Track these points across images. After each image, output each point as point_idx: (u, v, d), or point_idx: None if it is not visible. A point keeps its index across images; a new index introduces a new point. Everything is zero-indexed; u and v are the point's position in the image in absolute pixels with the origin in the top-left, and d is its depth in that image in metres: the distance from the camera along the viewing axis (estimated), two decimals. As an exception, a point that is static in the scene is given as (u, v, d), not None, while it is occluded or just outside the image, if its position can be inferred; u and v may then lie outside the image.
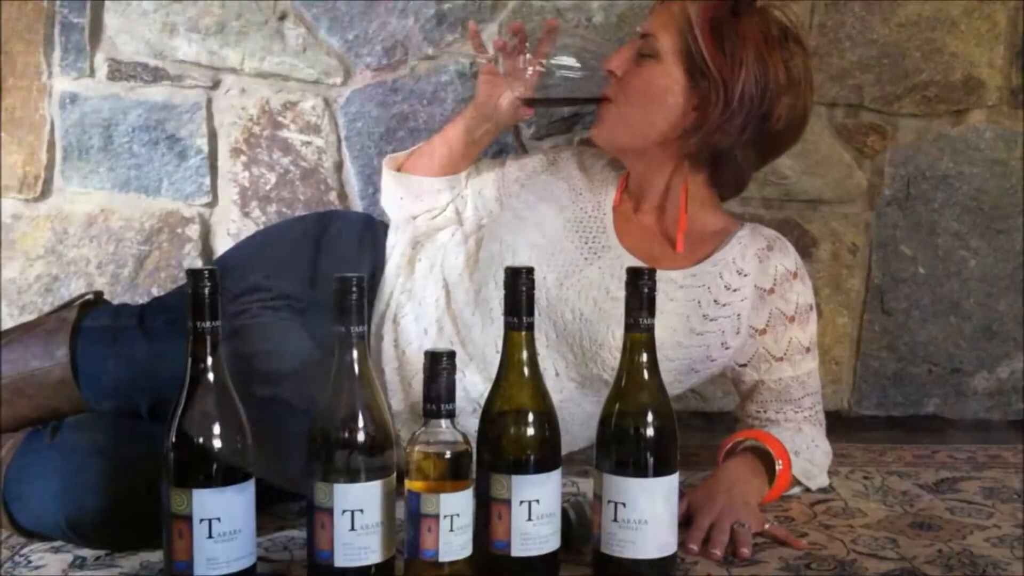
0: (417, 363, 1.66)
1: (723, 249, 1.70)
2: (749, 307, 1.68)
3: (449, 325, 1.69)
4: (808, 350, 1.73)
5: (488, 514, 1.31)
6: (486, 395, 1.37)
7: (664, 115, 1.69)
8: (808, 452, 1.71)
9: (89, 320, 1.58)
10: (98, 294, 1.67)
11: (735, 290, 1.67)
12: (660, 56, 1.67)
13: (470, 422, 1.42)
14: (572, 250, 1.68)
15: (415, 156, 1.90)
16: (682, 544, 1.42)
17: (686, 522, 1.51)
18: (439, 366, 1.26)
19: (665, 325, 1.61)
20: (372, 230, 1.82)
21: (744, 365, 1.72)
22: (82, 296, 1.64)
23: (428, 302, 1.72)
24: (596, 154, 1.87)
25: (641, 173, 1.76)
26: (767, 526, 1.53)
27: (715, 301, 1.66)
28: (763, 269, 1.69)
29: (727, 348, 1.69)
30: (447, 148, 1.86)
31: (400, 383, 1.69)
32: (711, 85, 1.64)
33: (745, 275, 1.68)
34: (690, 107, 1.67)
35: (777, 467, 1.64)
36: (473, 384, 1.64)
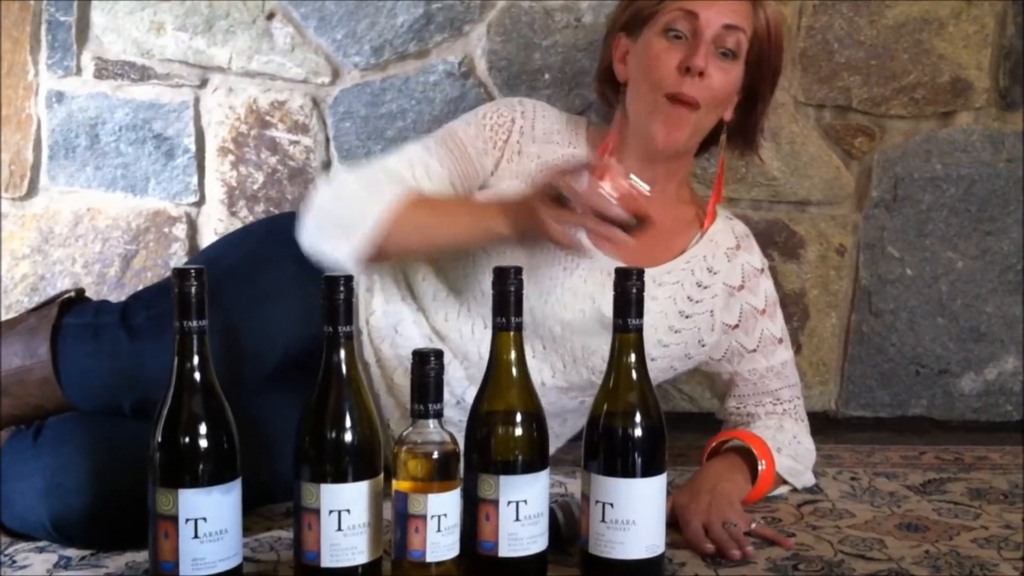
0: (393, 359, 1.65)
1: (695, 246, 1.70)
2: (721, 304, 1.70)
3: (425, 324, 1.66)
4: (780, 340, 1.75)
5: (476, 514, 1.31)
6: (467, 389, 1.37)
7: (722, 113, 1.66)
8: (790, 448, 1.71)
9: (70, 317, 1.57)
10: (80, 291, 1.65)
11: (706, 287, 1.69)
12: (739, 55, 1.60)
13: (452, 413, 1.41)
14: (550, 262, 1.61)
15: (401, 235, 1.49)
16: (671, 547, 1.42)
17: (671, 523, 1.51)
18: (427, 366, 1.26)
19: (648, 324, 1.61)
20: None
21: (719, 360, 1.74)
22: (64, 293, 1.63)
23: (400, 303, 1.69)
24: (546, 136, 1.67)
25: (657, 167, 1.65)
26: (754, 525, 1.53)
27: (689, 298, 1.67)
28: (731, 267, 1.72)
29: (704, 345, 1.71)
30: (450, 241, 1.54)
31: (382, 377, 1.68)
32: (766, 80, 1.63)
33: (715, 273, 1.70)
34: (733, 102, 1.66)
35: (760, 467, 1.64)
36: (457, 379, 1.62)
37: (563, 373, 1.64)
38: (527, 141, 1.65)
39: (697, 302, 1.67)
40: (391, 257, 1.56)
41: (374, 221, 1.46)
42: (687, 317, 1.67)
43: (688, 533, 1.50)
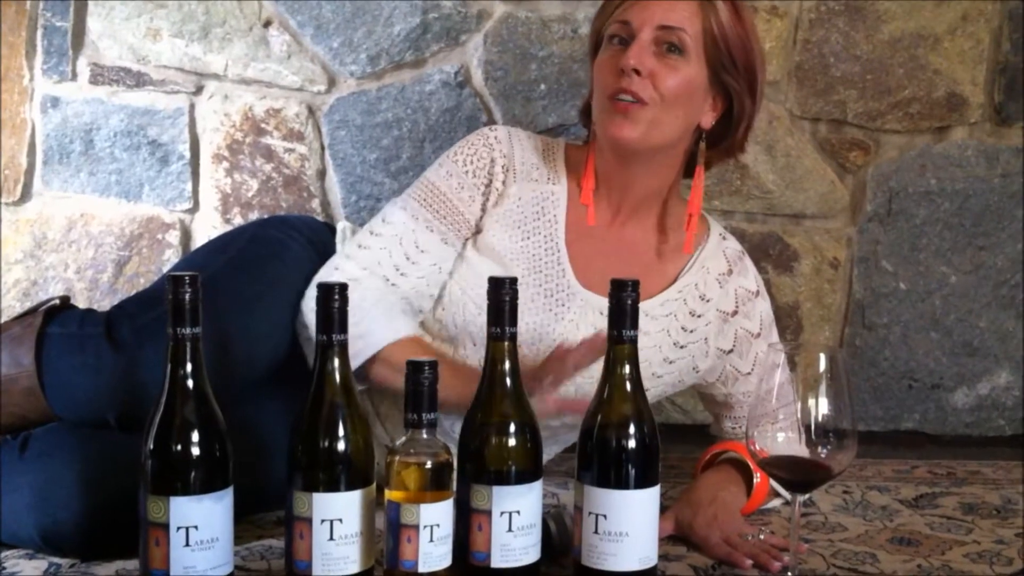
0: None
1: (687, 274, 1.68)
2: (715, 331, 1.68)
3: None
4: None
5: (468, 525, 1.30)
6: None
7: (690, 115, 1.60)
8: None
9: (55, 326, 1.55)
10: (64, 299, 1.63)
11: (699, 316, 1.67)
12: (687, 52, 1.56)
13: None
14: (537, 309, 1.60)
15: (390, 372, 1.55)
16: (663, 559, 1.41)
17: (675, 539, 1.51)
18: (421, 375, 1.26)
19: (642, 359, 1.61)
20: (320, 236, 1.74)
21: (713, 382, 1.73)
22: (48, 300, 1.61)
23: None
24: (526, 171, 1.66)
25: (636, 178, 1.64)
26: (762, 536, 1.53)
27: (683, 328, 1.66)
28: (724, 293, 1.69)
29: (697, 371, 1.70)
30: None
31: (371, 406, 1.67)
32: (737, 81, 1.58)
33: (708, 300, 1.67)
34: (707, 105, 1.61)
35: (755, 480, 1.64)
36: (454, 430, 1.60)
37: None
38: (509, 180, 1.64)
39: (691, 331, 1.66)
40: (370, 382, 1.58)
41: (366, 354, 1.53)
42: (681, 347, 1.66)
43: (713, 549, 1.49)
